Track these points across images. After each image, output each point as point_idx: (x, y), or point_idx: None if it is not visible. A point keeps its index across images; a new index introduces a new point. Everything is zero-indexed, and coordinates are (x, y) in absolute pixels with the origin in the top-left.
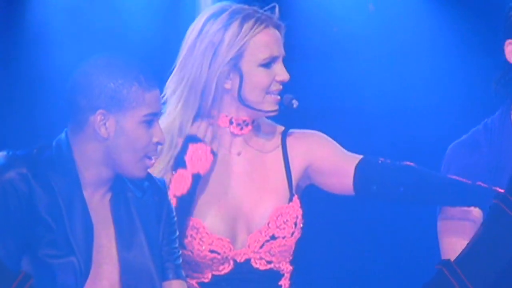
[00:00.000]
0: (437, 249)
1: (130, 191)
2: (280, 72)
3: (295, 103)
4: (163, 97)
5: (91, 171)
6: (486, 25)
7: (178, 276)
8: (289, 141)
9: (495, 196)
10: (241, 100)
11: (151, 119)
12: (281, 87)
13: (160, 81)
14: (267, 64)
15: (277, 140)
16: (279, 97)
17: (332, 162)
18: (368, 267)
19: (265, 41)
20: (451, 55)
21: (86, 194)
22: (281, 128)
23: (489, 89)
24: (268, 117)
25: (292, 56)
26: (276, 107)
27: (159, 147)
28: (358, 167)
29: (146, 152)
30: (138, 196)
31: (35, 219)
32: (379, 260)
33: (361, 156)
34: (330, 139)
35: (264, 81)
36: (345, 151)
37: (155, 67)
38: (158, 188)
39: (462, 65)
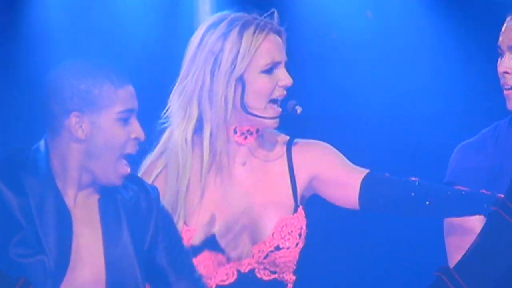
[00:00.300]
0: (438, 257)
1: (119, 194)
2: (283, 77)
3: (298, 109)
4: (167, 110)
5: (72, 175)
6: (486, 31)
7: None
8: (294, 151)
9: (494, 203)
10: (244, 108)
11: (127, 116)
12: (284, 92)
13: (159, 84)
14: (268, 70)
15: (282, 150)
16: (280, 110)
17: (338, 175)
18: (370, 276)
19: (266, 48)
20: (451, 62)
21: (68, 194)
22: (285, 137)
23: (489, 95)
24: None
25: (291, 62)
26: (276, 116)
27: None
28: (365, 182)
29: (124, 150)
30: (126, 198)
31: (6, 219)
32: (381, 269)
33: (367, 170)
34: (336, 150)
35: (267, 87)
36: (351, 164)
37: (154, 69)
38: (147, 193)
39: (462, 71)
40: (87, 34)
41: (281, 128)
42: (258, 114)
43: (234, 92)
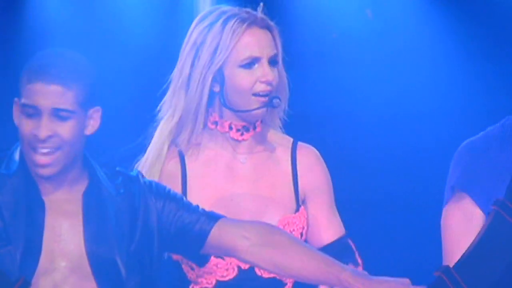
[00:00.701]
0: (437, 257)
1: (105, 190)
2: (263, 73)
3: (276, 102)
4: (161, 104)
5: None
6: (486, 30)
7: (215, 220)
8: (300, 155)
9: (494, 202)
10: (224, 103)
11: (31, 112)
12: (268, 87)
13: (160, 83)
14: (247, 65)
15: (287, 150)
16: (265, 99)
17: (317, 218)
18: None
19: (245, 42)
20: (451, 61)
21: (45, 186)
22: (289, 138)
23: (489, 94)
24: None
25: (291, 61)
26: (261, 105)
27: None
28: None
29: (29, 144)
30: (112, 194)
31: None
32: (381, 269)
33: (337, 237)
34: (331, 188)
35: (245, 82)
36: (334, 211)
37: (154, 68)
38: (131, 179)
39: (461, 71)
40: (87, 33)
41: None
42: (241, 109)
43: (211, 85)
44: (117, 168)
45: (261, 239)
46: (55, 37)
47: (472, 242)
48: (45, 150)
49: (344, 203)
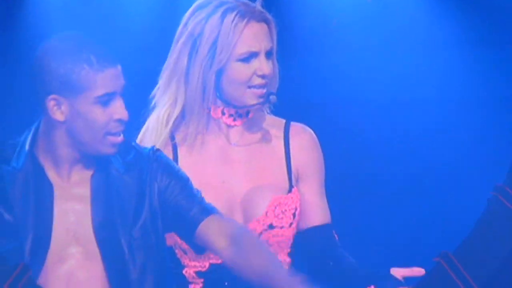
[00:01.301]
0: (435, 242)
1: (114, 169)
2: (260, 67)
3: (273, 99)
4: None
5: (59, 152)
6: (486, 18)
7: (207, 214)
8: (293, 135)
9: (493, 189)
10: (220, 97)
11: (106, 99)
12: (263, 81)
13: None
14: (244, 59)
15: (279, 131)
16: (262, 91)
17: (307, 199)
18: (369, 261)
19: (244, 37)
20: (450, 49)
21: (61, 171)
22: (282, 120)
23: (487, 83)
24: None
25: (291, 49)
26: (259, 100)
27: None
28: (309, 231)
29: (107, 130)
30: (121, 171)
31: None
32: (377, 254)
33: (324, 223)
34: (323, 171)
35: (242, 75)
36: (323, 195)
37: (152, 62)
38: (142, 155)
39: (462, 59)
40: (86, 29)
41: (281, 114)
42: (235, 102)
43: (211, 78)
44: (133, 143)
45: (235, 245)
46: (53, 29)
47: (472, 229)
48: (121, 130)
49: (345, 193)
